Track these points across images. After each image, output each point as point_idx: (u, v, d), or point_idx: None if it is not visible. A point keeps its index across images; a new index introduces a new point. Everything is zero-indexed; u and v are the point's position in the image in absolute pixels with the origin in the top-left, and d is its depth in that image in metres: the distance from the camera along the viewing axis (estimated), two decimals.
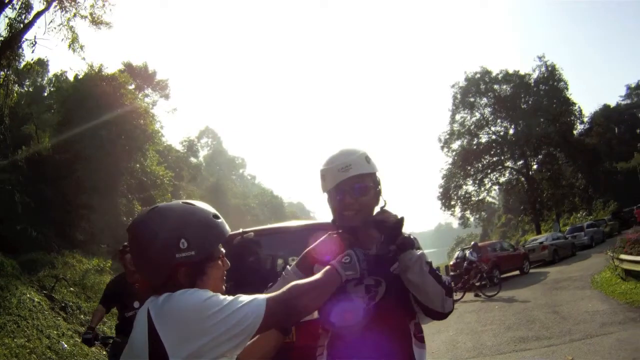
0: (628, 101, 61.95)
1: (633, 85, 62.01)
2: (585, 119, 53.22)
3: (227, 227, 1.55)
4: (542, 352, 7.31)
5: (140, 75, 35.44)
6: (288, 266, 1.96)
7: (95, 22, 22.85)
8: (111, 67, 27.96)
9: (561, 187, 46.98)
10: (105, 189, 22.46)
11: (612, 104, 60.17)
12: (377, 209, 1.81)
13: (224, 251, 1.57)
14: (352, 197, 1.73)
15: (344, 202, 1.74)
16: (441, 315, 1.72)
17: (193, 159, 51.65)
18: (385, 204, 1.83)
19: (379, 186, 1.82)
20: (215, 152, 59.20)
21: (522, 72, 49.86)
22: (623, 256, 13.08)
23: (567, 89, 49.92)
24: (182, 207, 1.51)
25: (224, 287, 1.55)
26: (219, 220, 1.53)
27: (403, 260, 1.67)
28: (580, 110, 51.24)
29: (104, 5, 22.74)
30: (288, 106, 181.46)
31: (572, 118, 50.38)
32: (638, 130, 58.08)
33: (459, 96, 49.08)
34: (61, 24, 21.97)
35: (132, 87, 29.57)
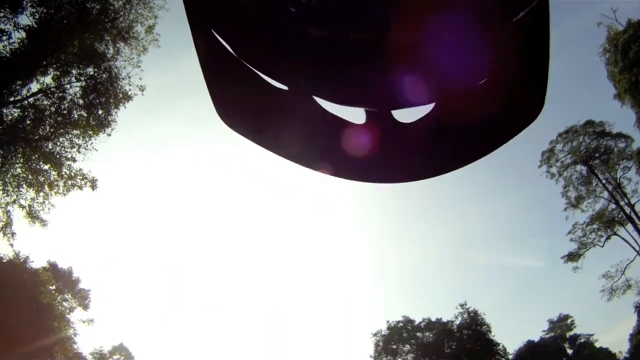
0: (551, 334, 62.45)
1: (555, 319, 63.70)
2: (510, 357, 53.54)
3: None
4: None
5: (63, 279, 35.48)
6: None
7: (32, 216, 23.93)
8: (36, 262, 27.79)
9: None
10: None
11: (536, 339, 60.65)
12: None
13: None
14: None
15: None
16: None
17: None
18: None
19: None
20: None
21: (444, 319, 52.80)
22: None
23: (490, 331, 52.13)
24: None
25: None
26: None
27: None
28: (505, 350, 52.55)
29: (43, 202, 24.57)
30: (213, 332, 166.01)
31: (497, 357, 51.18)
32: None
33: (381, 343, 51.47)
34: None
35: (52, 287, 29.80)
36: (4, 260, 26.11)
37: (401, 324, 52.37)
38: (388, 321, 53.02)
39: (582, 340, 61.71)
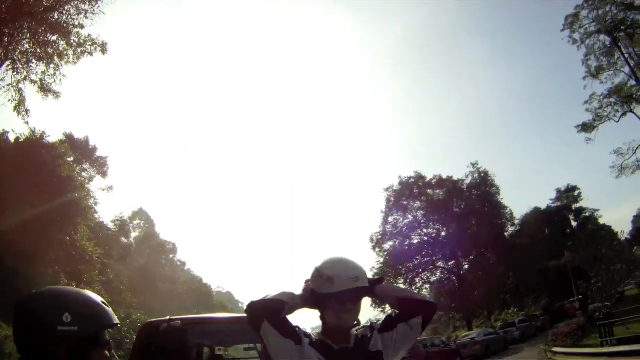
0: (558, 204, 64.20)
1: (563, 189, 64.72)
2: (517, 221, 55.79)
3: (115, 317, 1.53)
4: None
5: (80, 149, 35.72)
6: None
7: (44, 89, 23.71)
8: (53, 136, 27.81)
9: (492, 285, 48.11)
10: (33, 257, 22.07)
11: (543, 206, 62.80)
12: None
13: (110, 342, 1.54)
14: (353, 304, 2.07)
15: (346, 307, 2.05)
16: (431, 305, 2.27)
17: (124, 239, 51.81)
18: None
19: None
20: (147, 234, 58.78)
21: (455, 178, 53.28)
22: (556, 349, 14.04)
23: (499, 193, 53.19)
24: (70, 288, 1.56)
25: None
26: (107, 308, 1.51)
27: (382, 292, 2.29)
28: (512, 213, 54.35)
29: (54, 74, 24.18)
30: (224, 198, 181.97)
31: (503, 221, 53.16)
32: (568, 231, 59.34)
33: (392, 199, 51.94)
34: (10, 84, 22.97)
35: (70, 159, 29.88)
36: (21, 140, 25.62)
37: (412, 180, 52.25)
38: (400, 176, 52.84)
39: (587, 214, 63.21)
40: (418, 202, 52.38)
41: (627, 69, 40.79)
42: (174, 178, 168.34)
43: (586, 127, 43.53)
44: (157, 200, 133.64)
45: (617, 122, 42.29)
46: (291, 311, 2.11)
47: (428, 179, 52.72)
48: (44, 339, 1.36)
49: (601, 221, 64.12)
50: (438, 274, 52.40)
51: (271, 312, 2.04)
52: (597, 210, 61.68)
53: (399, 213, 52.14)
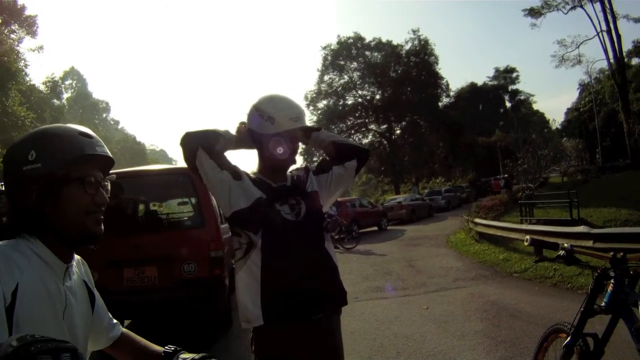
0: (495, 82, 65.05)
1: (502, 69, 65.41)
2: (452, 94, 55.82)
3: (98, 146, 1.27)
4: (398, 301, 7.43)
5: (8, 9, 32.78)
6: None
7: None
8: None
9: (422, 153, 48.15)
10: None
11: (480, 83, 63.68)
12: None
13: (94, 179, 1.25)
14: (293, 144, 2.04)
15: (286, 146, 2.00)
16: (365, 150, 2.29)
17: (56, 101, 50.28)
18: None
19: None
20: (80, 94, 57.72)
21: (395, 43, 51.59)
22: (478, 220, 14.09)
23: (437, 63, 52.34)
24: (51, 125, 1.30)
25: (90, 224, 1.23)
26: (87, 139, 1.26)
27: (318, 140, 2.22)
28: (448, 85, 53.98)
29: None
30: (155, 52, 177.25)
31: (438, 91, 52.67)
32: (501, 110, 61.06)
33: (329, 58, 50.02)
34: None
35: None
36: None
37: (351, 41, 50.46)
38: (339, 35, 51.36)
39: (522, 97, 64.55)
40: (355, 63, 51.01)
41: None
42: (105, 35, 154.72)
43: (533, 12, 43.11)
44: (89, 58, 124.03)
45: (566, 14, 41.92)
46: (226, 147, 2.05)
47: (367, 41, 50.88)
48: (12, 183, 1.22)
49: (535, 107, 66.49)
50: (370, 136, 51.99)
51: (207, 140, 1.99)
52: (533, 95, 64.54)
53: (335, 72, 50.75)
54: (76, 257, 1.31)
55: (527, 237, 2.90)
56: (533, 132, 50.88)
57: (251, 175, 2.05)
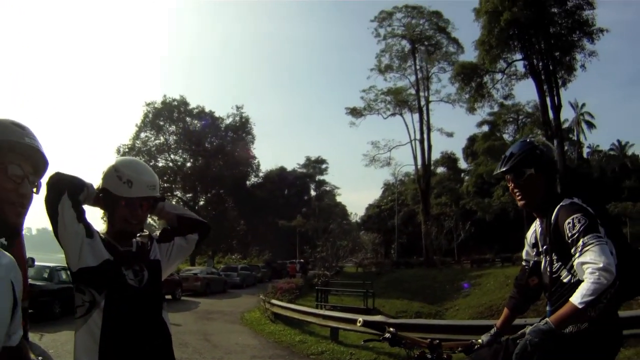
0: (304, 170, 69.48)
1: (313, 158, 70.06)
2: (261, 174, 58.06)
3: (29, 140, 1.30)
4: None
5: None
6: None
7: None
8: None
9: (223, 228, 48.78)
10: None
11: (289, 168, 67.30)
12: None
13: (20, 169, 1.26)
14: (143, 212, 2.10)
15: (137, 213, 2.06)
16: (207, 225, 2.45)
17: None
18: None
19: None
20: None
21: (217, 114, 52.71)
22: (274, 301, 14.50)
23: (253, 142, 54.35)
24: None
25: (9, 212, 1.23)
26: (18, 129, 1.29)
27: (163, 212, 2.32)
28: (259, 165, 56.24)
29: None
30: None
31: (249, 169, 54.48)
32: (305, 197, 65.79)
33: (150, 116, 49.27)
34: None
35: None
36: None
37: (176, 103, 50.52)
38: (165, 95, 51.46)
39: (328, 188, 69.50)
40: (174, 127, 50.87)
41: (412, 78, 45.53)
42: None
43: (355, 112, 47.20)
44: None
45: (385, 119, 46.91)
46: (87, 200, 2.03)
47: (190, 107, 51.45)
48: None
49: (339, 199, 71.23)
50: (174, 203, 50.69)
51: (74, 187, 1.96)
52: (338, 188, 68.45)
53: (153, 132, 49.97)
54: (9, 257, 1.30)
55: (360, 318, 3.44)
56: (333, 222, 55.17)
57: (101, 235, 2.06)
